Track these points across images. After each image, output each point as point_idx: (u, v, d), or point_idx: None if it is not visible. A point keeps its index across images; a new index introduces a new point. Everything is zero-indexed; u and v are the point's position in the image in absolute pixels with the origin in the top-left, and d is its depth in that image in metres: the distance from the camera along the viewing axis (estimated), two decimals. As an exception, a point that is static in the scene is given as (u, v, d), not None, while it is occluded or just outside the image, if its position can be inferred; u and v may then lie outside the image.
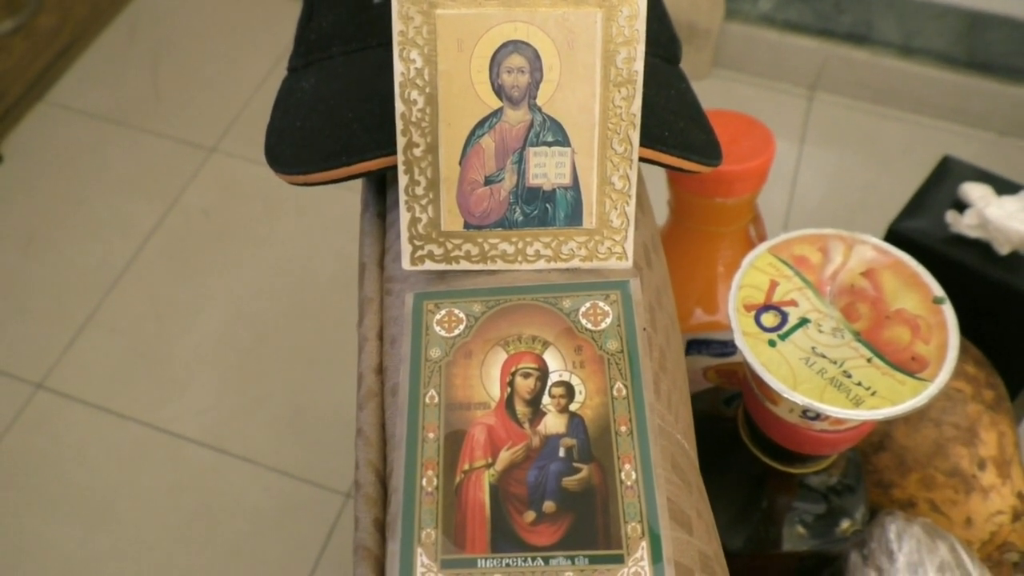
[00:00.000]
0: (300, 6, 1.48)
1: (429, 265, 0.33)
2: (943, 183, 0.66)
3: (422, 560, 0.26)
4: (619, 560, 0.26)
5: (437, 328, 0.32)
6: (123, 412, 1.16)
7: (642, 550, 0.26)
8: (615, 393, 0.30)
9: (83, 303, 1.25)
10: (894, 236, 0.63)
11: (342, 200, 1.33)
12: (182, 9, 1.61)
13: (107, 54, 1.54)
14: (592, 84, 0.31)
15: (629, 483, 0.27)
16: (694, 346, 0.64)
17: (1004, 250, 0.60)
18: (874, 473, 0.59)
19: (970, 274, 0.61)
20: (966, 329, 0.62)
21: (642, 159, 0.35)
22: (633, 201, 0.33)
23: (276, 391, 1.18)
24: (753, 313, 0.43)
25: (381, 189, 0.39)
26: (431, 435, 0.29)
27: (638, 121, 0.32)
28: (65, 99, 1.47)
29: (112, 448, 1.13)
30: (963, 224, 0.61)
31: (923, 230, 0.63)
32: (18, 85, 1.41)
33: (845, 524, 0.53)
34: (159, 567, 1.05)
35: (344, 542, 1.07)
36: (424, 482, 0.28)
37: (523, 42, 0.31)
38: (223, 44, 1.55)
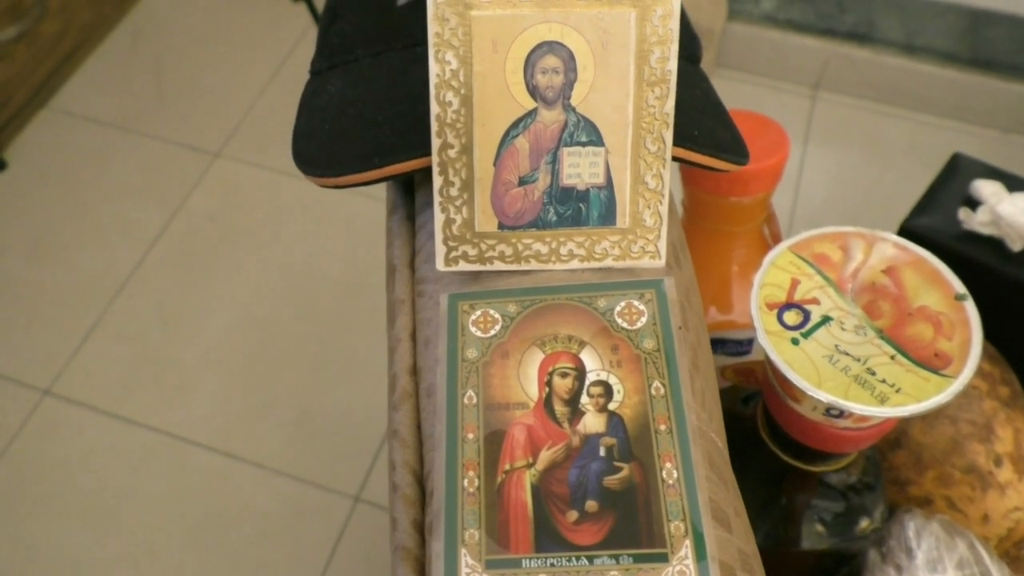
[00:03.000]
0: (305, 11, 1.48)
1: (463, 266, 0.33)
2: (954, 180, 0.66)
3: (466, 560, 0.26)
4: (663, 559, 0.26)
5: (473, 329, 0.32)
6: (130, 417, 1.16)
7: (686, 548, 0.26)
8: (653, 392, 0.30)
9: (89, 309, 1.25)
10: (906, 234, 0.63)
11: (347, 203, 1.33)
12: (185, 14, 1.61)
13: (110, 60, 1.54)
14: (626, 84, 0.31)
15: (671, 482, 0.27)
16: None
17: (1017, 246, 0.60)
18: (891, 471, 0.59)
19: (983, 271, 0.61)
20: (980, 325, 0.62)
21: (674, 158, 0.35)
22: (666, 200, 0.33)
23: (283, 395, 1.18)
24: (775, 311, 0.43)
25: (408, 191, 0.40)
26: (470, 436, 0.29)
27: (671, 120, 0.32)
28: (69, 105, 1.47)
29: (119, 453, 1.13)
30: (975, 221, 0.61)
31: (935, 227, 0.63)
32: (22, 92, 1.41)
33: (864, 523, 0.53)
34: (167, 572, 1.05)
35: (353, 546, 1.07)
36: (465, 483, 0.28)
37: (558, 43, 0.31)
38: (226, 49, 1.55)
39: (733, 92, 1.47)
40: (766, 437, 0.52)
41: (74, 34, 1.49)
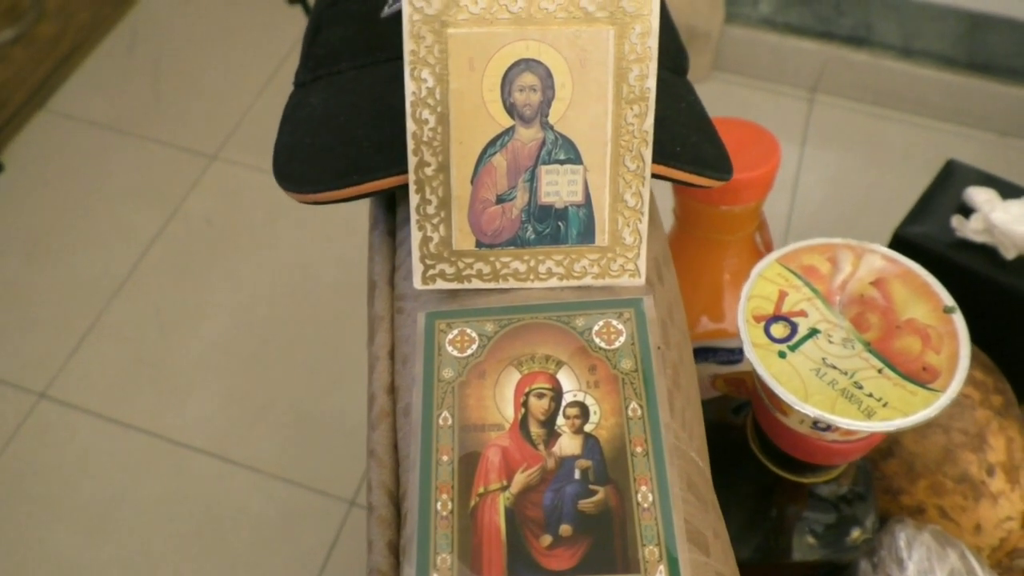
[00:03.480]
0: (301, 14, 1.49)
1: (441, 284, 0.33)
2: (948, 187, 0.65)
3: (438, 586, 0.26)
4: (637, 584, 0.26)
5: (449, 348, 0.31)
6: (126, 421, 1.16)
7: (660, 574, 0.26)
8: (630, 413, 0.29)
9: (86, 312, 1.25)
10: (899, 241, 0.63)
11: (343, 207, 1.32)
12: (182, 17, 1.61)
13: (108, 62, 1.54)
14: (604, 102, 0.31)
15: (646, 505, 0.27)
16: (701, 354, 0.64)
17: (1010, 255, 0.60)
18: (883, 480, 0.59)
19: (976, 279, 0.61)
20: (973, 334, 0.61)
21: (654, 175, 0.35)
22: (646, 218, 0.33)
23: (279, 398, 1.18)
24: (763, 324, 0.43)
25: (390, 206, 0.39)
26: (445, 458, 0.29)
27: (650, 138, 0.32)
28: (66, 107, 1.47)
29: (115, 457, 1.13)
30: (968, 229, 0.61)
31: (929, 235, 0.63)
32: (19, 94, 1.41)
33: (855, 533, 0.53)
34: (162, 576, 1.05)
35: (349, 550, 1.07)
36: (439, 506, 0.28)
37: (535, 60, 0.31)
38: (224, 52, 1.55)
39: (730, 95, 1.47)
40: (756, 448, 0.51)
41: (71, 36, 1.49)
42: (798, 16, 1.44)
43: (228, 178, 1.39)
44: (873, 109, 1.46)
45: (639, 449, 0.28)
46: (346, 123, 0.36)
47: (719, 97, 1.46)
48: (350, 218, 1.32)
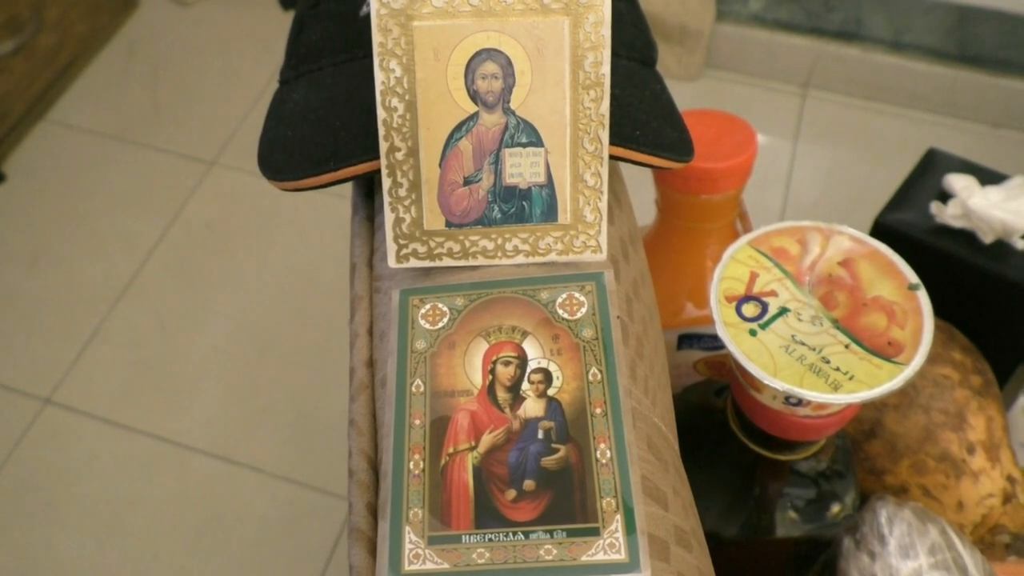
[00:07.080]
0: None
1: (414, 263, 0.35)
2: (928, 175, 0.66)
3: (410, 537, 0.28)
4: (595, 533, 0.28)
5: (422, 321, 0.33)
6: (130, 424, 1.17)
7: (616, 523, 0.28)
8: (590, 378, 0.31)
9: (88, 318, 1.27)
10: (880, 228, 0.64)
11: (340, 210, 1.35)
12: (180, 26, 1.62)
13: (107, 72, 1.55)
14: (562, 87, 0.33)
15: (604, 461, 0.29)
16: (685, 340, 0.65)
17: (988, 239, 0.61)
18: (866, 460, 0.60)
19: (955, 263, 0.62)
20: (953, 317, 0.63)
21: (614, 157, 0.36)
22: (605, 197, 0.34)
23: (281, 399, 1.19)
24: (734, 304, 0.44)
25: (369, 193, 0.41)
26: (417, 422, 0.31)
27: (607, 121, 0.34)
28: (66, 117, 1.49)
29: (120, 460, 1.14)
30: (947, 214, 0.62)
31: (909, 221, 0.64)
32: (20, 105, 1.43)
33: (836, 508, 0.54)
34: (169, 576, 1.06)
35: (352, 546, 1.08)
36: (411, 466, 0.30)
37: (496, 50, 0.33)
38: (221, 59, 1.57)
39: (723, 92, 1.48)
40: (736, 428, 0.53)
41: (70, 47, 1.51)
42: (788, 12, 1.45)
43: (227, 184, 1.41)
44: (865, 103, 1.47)
45: (598, 410, 0.30)
46: (324, 116, 0.38)
47: (712, 95, 1.47)
48: (346, 221, 1.34)
